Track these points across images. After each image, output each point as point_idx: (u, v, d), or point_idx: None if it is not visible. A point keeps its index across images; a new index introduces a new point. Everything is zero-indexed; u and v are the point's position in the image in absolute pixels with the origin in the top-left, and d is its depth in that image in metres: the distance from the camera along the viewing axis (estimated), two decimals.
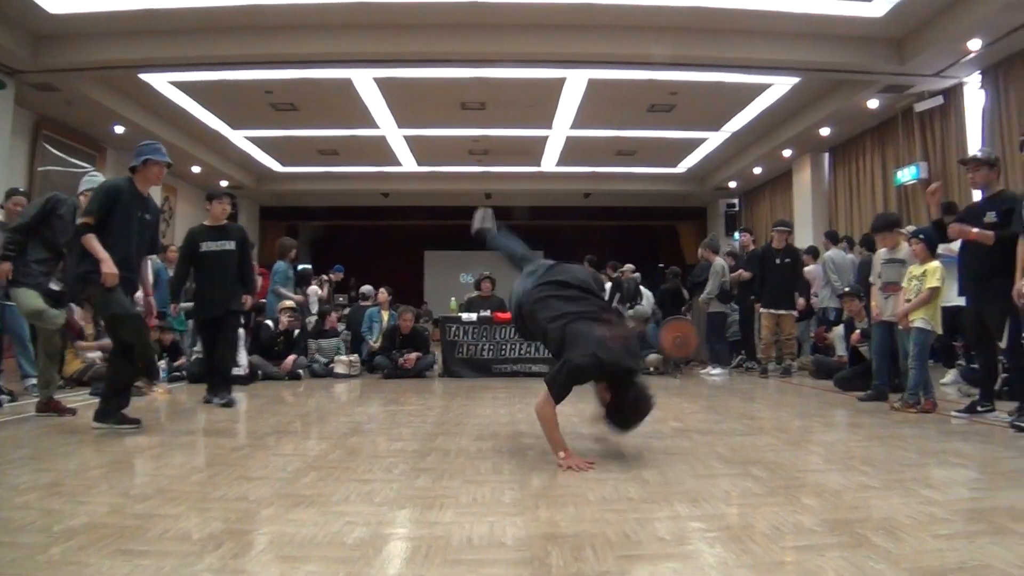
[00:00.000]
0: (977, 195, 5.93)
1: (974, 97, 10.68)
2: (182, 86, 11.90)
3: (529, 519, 2.76)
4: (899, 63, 10.17)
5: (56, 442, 4.49)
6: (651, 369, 9.87)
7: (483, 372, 9.62)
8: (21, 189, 7.65)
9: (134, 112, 12.38)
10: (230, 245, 6.66)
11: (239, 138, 15.16)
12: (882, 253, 6.75)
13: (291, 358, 9.20)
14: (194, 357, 8.56)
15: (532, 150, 16.31)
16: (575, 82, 11.76)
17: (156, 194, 14.74)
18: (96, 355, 8.01)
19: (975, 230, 5.27)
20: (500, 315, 9.90)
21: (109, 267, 4.76)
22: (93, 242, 4.83)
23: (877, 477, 3.46)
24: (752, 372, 10.07)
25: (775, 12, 9.30)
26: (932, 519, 2.72)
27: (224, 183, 17.33)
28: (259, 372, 8.89)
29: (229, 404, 6.32)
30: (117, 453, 4.16)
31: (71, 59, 9.95)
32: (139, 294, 5.51)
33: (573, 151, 16.23)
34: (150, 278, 5.74)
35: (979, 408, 5.53)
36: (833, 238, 10.80)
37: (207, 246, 6.60)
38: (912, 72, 10.39)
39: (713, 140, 15.58)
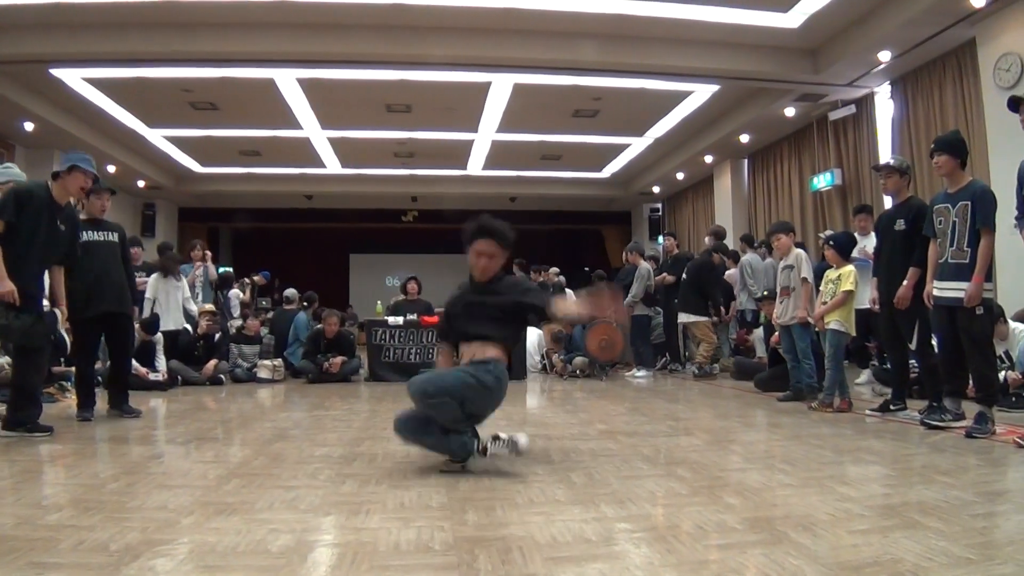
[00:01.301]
0: (887, 201, 6.17)
1: (884, 106, 11.10)
2: (96, 83, 11.48)
3: (456, 523, 2.75)
4: (814, 72, 10.50)
5: None
6: (577, 372, 9.96)
7: (409, 376, 9.37)
8: None
9: (45, 109, 11.91)
10: (113, 237, 6.09)
11: (156, 137, 14.72)
12: (781, 261, 7.05)
13: (212, 363, 8.99)
14: (109, 362, 8.28)
15: (458, 153, 16.29)
16: (500, 86, 11.80)
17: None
18: (3, 360, 7.69)
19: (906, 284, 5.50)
20: (427, 319, 9.86)
21: (5, 285, 4.56)
22: None
23: (796, 475, 3.56)
24: (676, 374, 10.24)
25: (696, 21, 9.49)
26: (848, 515, 2.81)
27: (141, 183, 16.87)
28: (179, 378, 8.67)
29: (136, 415, 6.05)
30: (27, 462, 3.99)
31: None
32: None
33: (499, 155, 16.28)
34: (61, 289, 5.37)
35: (891, 407, 5.76)
36: (749, 242, 11.03)
37: (89, 235, 5.85)
38: (826, 82, 10.75)
39: (636, 145, 15.81)
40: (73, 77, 11.14)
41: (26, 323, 4.76)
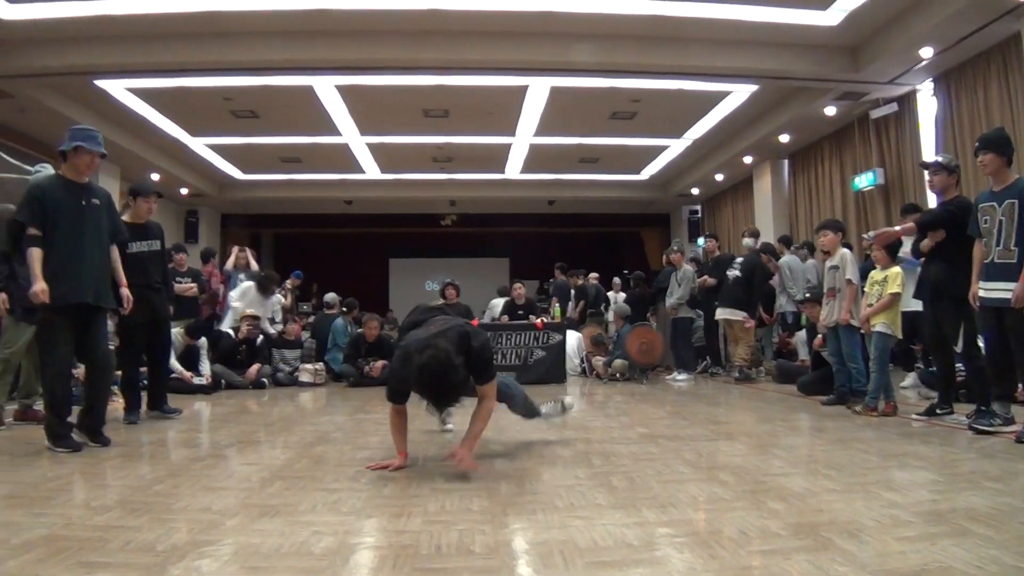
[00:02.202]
0: (932, 200, 6.06)
1: (927, 104, 10.89)
2: (140, 93, 11.70)
3: (498, 526, 2.75)
4: (854, 71, 10.34)
5: (14, 453, 4.41)
6: (617, 375, 9.92)
7: None
8: None
9: (91, 119, 12.11)
10: (157, 245, 6.21)
11: (199, 145, 14.96)
12: (827, 261, 6.94)
13: (255, 367, 9.11)
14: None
15: (496, 157, 16.31)
16: (538, 89, 11.78)
17: (114, 203, 14.56)
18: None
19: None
20: None
21: (38, 285, 4.48)
22: (33, 259, 4.54)
23: (840, 480, 3.51)
24: (717, 377, 10.15)
25: (734, 21, 9.39)
26: (895, 521, 2.76)
27: (184, 191, 17.13)
28: (222, 381, 8.80)
29: (176, 414, 6.19)
30: (77, 464, 4.08)
31: (24, 65, 9.72)
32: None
33: (537, 158, 16.26)
34: (120, 268, 5.25)
35: (938, 411, 5.64)
36: (788, 243, 10.91)
37: (135, 247, 5.98)
38: (867, 80, 10.57)
39: (675, 147, 15.69)
40: (117, 88, 11.37)
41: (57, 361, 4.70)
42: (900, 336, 6.30)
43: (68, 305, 4.62)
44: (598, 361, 10.41)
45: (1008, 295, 4.67)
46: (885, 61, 9.89)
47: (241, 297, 9.40)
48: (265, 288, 9.77)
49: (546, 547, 2.51)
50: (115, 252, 5.16)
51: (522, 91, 11.86)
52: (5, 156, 11.90)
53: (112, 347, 5.69)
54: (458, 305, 10.85)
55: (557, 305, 11.47)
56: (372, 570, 2.33)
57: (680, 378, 9.81)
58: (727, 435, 5.07)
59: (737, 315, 9.51)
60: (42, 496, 3.29)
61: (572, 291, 13.18)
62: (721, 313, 9.72)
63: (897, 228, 5.53)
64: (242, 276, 10.37)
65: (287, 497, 3.23)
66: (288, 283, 12.93)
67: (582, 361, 10.97)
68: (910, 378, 8.10)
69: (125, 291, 5.21)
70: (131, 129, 13.22)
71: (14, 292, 5.37)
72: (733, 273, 9.77)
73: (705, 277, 10.38)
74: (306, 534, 2.65)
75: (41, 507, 3.07)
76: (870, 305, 6.15)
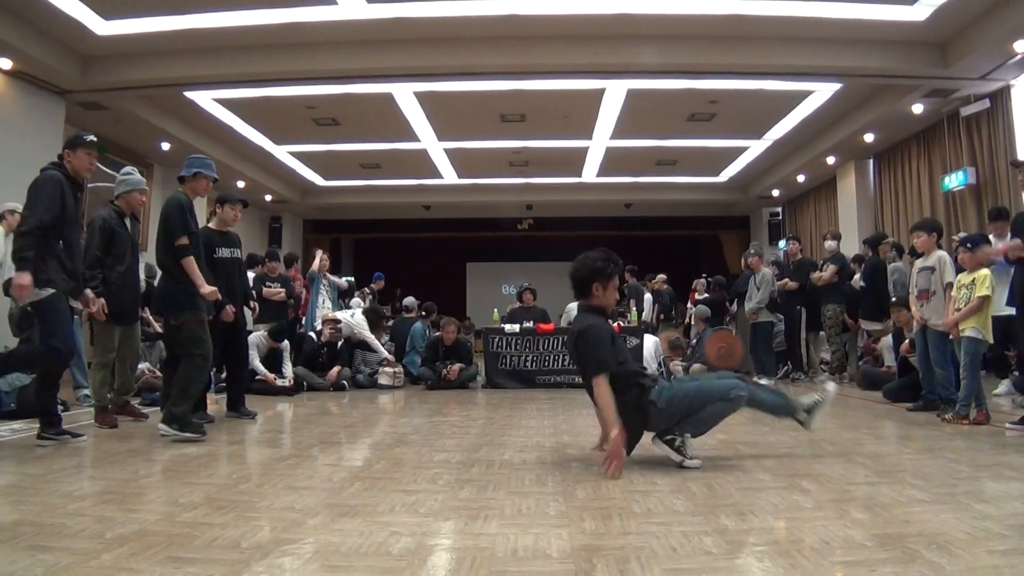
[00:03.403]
0: None
1: (1022, 100, 10.44)
2: (225, 103, 12.12)
3: (574, 531, 2.75)
4: (943, 67, 9.98)
5: (108, 451, 4.59)
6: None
7: (526, 383, 9.62)
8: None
9: (180, 129, 12.64)
10: (238, 253, 6.49)
11: (282, 153, 15.38)
12: (917, 261, 6.66)
13: (336, 369, 9.29)
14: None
15: (572, 161, 16.30)
16: (614, 92, 11.74)
17: (202, 210, 15.06)
18: (144, 366, 8.18)
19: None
20: (543, 326, 9.91)
21: (208, 289, 5.31)
22: (193, 266, 5.27)
23: (929, 491, 3.39)
24: (798, 383, 9.93)
25: (815, 18, 9.19)
26: (987, 534, 2.65)
27: (268, 197, 17.62)
28: (304, 383, 8.99)
29: (252, 416, 6.39)
30: (166, 462, 4.23)
31: (118, 78, 10.19)
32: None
33: (613, 161, 16.19)
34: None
35: None
36: (873, 245, 10.60)
37: (221, 252, 6.25)
38: (957, 76, 10.20)
39: (755, 148, 15.42)
40: (205, 98, 11.80)
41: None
42: (991, 341, 6.03)
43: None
44: (676, 366, 10.29)
45: None
46: (976, 56, 9.53)
47: (358, 331, 9.81)
48: (375, 324, 10.16)
49: (623, 552, 2.49)
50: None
51: (598, 94, 11.83)
52: (100, 166, 12.40)
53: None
54: (535, 309, 10.89)
55: (634, 308, 11.38)
56: (449, 572, 2.35)
57: (761, 384, 9.62)
58: (809, 442, 4.94)
59: (875, 326, 9.37)
60: (134, 493, 3.43)
61: (648, 295, 13.06)
62: (867, 325, 9.71)
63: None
64: (324, 282, 10.58)
65: (366, 498, 3.29)
66: (374, 285, 13.15)
67: (660, 365, 10.86)
68: (1004, 385, 7.77)
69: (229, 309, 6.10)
70: (218, 138, 13.68)
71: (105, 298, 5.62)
72: (858, 283, 9.72)
73: (787, 280, 10.16)
74: (384, 535, 2.69)
75: (133, 503, 3.19)
76: (958, 309, 5.91)
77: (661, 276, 13.13)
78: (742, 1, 8.87)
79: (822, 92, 11.84)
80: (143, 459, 4.34)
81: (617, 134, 14.03)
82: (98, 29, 9.21)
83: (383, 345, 10.77)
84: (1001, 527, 2.74)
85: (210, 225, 6.40)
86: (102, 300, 5.47)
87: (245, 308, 6.71)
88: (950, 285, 6.18)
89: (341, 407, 7.70)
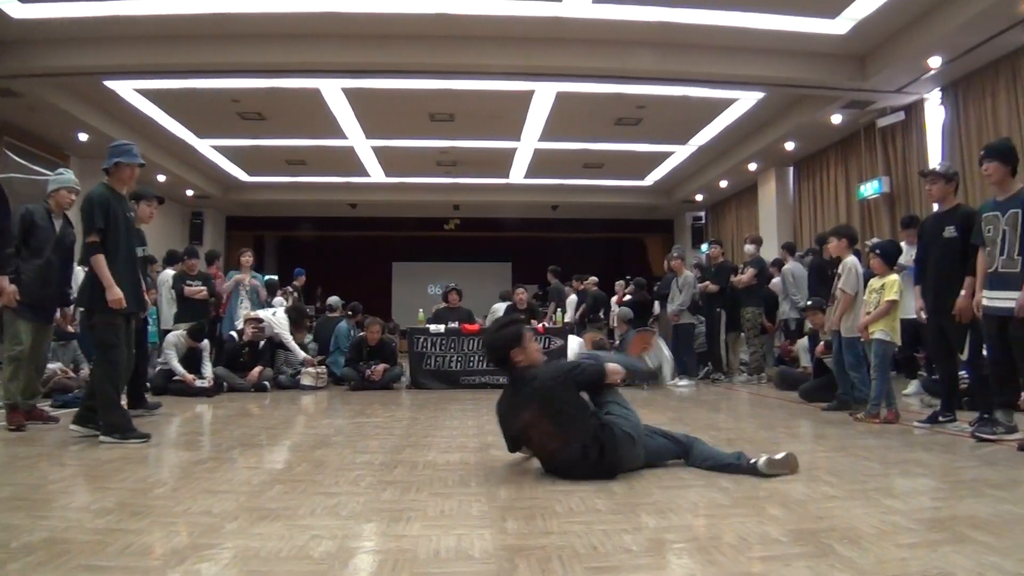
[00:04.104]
0: (935, 209, 6.05)
1: (935, 113, 10.88)
2: (148, 94, 11.76)
3: (496, 531, 2.75)
4: (862, 79, 10.35)
5: (15, 456, 4.42)
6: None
7: (451, 384, 9.60)
8: None
9: (99, 119, 12.21)
10: (144, 250, 6.44)
11: (205, 147, 15.02)
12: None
13: (257, 370, 9.11)
14: (158, 368, 8.45)
15: (500, 162, 16.35)
16: (543, 94, 11.81)
17: None
18: (56, 366, 7.90)
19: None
20: (468, 327, 9.90)
21: (114, 293, 4.93)
22: (102, 265, 4.96)
23: (841, 487, 3.50)
24: (718, 383, 10.14)
25: (741, 28, 9.41)
26: (895, 528, 2.76)
27: (190, 192, 17.19)
28: (224, 384, 8.79)
29: (155, 408, 6.50)
30: (78, 467, 4.09)
31: (34, 65, 9.76)
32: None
33: (541, 163, 16.30)
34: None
35: (940, 418, 5.62)
36: (791, 250, 10.90)
37: (139, 251, 6.17)
38: (874, 88, 10.59)
39: (680, 153, 15.71)
40: (126, 89, 11.43)
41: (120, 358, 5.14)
42: (899, 343, 6.28)
43: (128, 313, 5.17)
44: None
45: (1011, 304, 4.67)
46: (893, 70, 9.91)
47: (280, 333, 9.60)
48: (298, 324, 10.00)
49: (544, 552, 2.50)
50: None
51: (528, 96, 11.89)
52: (12, 155, 11.94)
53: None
54: (460, 309, 10.87)
55: (559, 310, 11.47)
56: (370, 574, 2.33)
57: (682, 384, 9.78)
58: (728, 441, 5.05)
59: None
60: (43, 499, 3.30)
61: (573, 295, 13.17)
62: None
63: (964, 293, 5.41)
64: (245, 280, 10.36)
65: (287, 501, 3.23)
66: (296, 282, 12.94)
67: None
68: (913, 385, 8.08)
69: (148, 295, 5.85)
70: (138, 129, 13.26)
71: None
72: (777, 286, 10.21)
73: (708, 283, 10.37)
74: (305, 538, 2.65)
75: (42, 510, 3.07)
76: (868, 312, 6.14)
77: (593, 278, 13.24)
78: (671, 9, 9.02)
79: (746, 100, 12.14)
80: (53, 463, 4.19)
81: (545, 136, 14.12)
82: (13, 12, 8.79)
83: (307, 344, 10.62)
84: (909, 521, 2.85)
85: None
86: (14, 287, 5.27)
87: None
88: (843, 291, 6.46)
89: (262, 408, 7.56)
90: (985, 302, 4.97)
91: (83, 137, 12.52)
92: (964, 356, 5.62)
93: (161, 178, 15.56)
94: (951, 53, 9.28)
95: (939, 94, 10.64)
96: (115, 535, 2.67)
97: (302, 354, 9.77)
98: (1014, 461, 4.19)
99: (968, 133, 9.98)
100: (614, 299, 13.24)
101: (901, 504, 3.14)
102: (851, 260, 6.69)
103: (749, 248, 10.52)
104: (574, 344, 10.46)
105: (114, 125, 12.64)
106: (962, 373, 6.01)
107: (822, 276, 9.16)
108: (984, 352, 5.38)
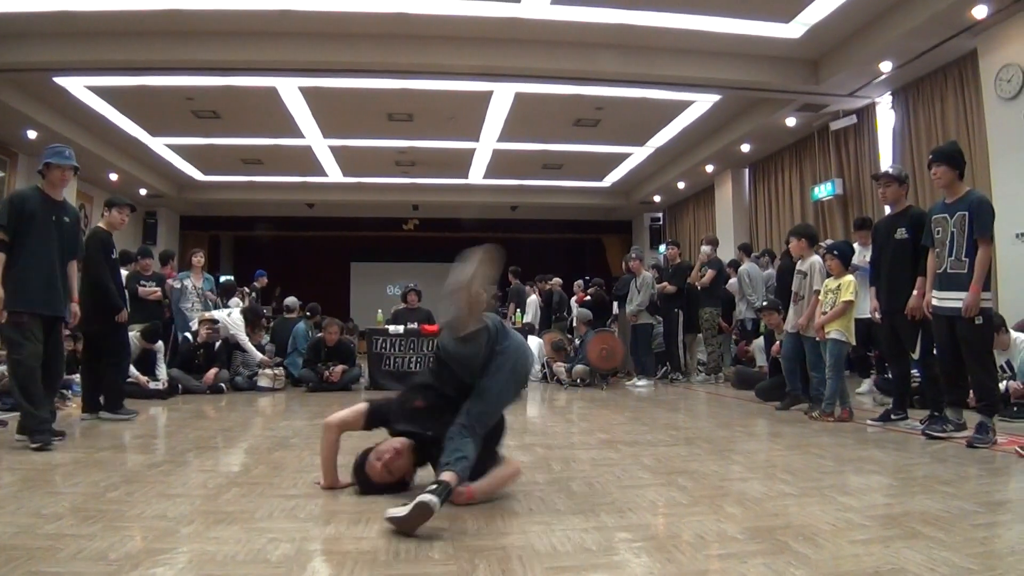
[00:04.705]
0: (888, 211, 6.16)
1: (886, 116, 11.11)
2: (99, 91, 11.51)
3: (456, 532, 2.75)
4: (815, 83, 10.51)
5: None
6: (578, 381, 9.94)
7: None
8: None
9: (48, 117, 11.93)
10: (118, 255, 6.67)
11: (159, 145, 14.74)
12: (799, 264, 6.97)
13: (213, 371, 8.98)
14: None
15: (459, 162, 16.32)
16: (502, 95, 11.81)
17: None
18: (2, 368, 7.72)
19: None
20: (427, 327, 9.87)
21: None
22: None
23: (797, 485, 3.55)
24: (677, 383, 10.23)
25: (699, 31, 9.50)
26: (849, 525, 2.81)
27: (143, 191, 16.87)
28: (179, 386, 8.66)
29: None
30: (27, 471, 3.99)
31: None
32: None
33: (500, 164, 16.30)
34: (75, 283, 5.54)
35: (893, 416, 5.75)
36: (747, 251, 11.03)
37: (115, 253, 6.56)
38: (827, 92, 10.77)
39: (638, 155, 15.82)
40: (76, 85, 11.17)
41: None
42: (854, 343, 6.39)
43: (42, 312, 4.99)
44: (559, 367, 10.43)
45: (959, 304, 4.78)
46: (845, 74, 10.08)
47: (236, 333, 9.48)
48: (254, 324, 9.91)
49: (505, 552, 2.51)
50: (72, 268, 5.43)
51: (486, 96, 11.88)
52: None
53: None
54: (420, 310, 10.83)
55: (518, 310, 11.48)
56: None
57: (640, 384, 9.85)
58: (686, 440, 5.11)
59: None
60: None
61: (533, 296, 13.20)
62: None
63: (916, 292, 5.50)
64: (199, 282, 10.18)
65: (244, 504, 3.20)
66: (256, 283, 12.78)
67: (543, 367, 10.99)
68: (866, 384, 8.23)
69: (75, 307, 5.43)
70: (89, 128, 13.00)
71: None
72: (733, 286, 10.32)
73: (665, 284, 10.45)
74: (263, 541, 2.62)
75: None
76: (824, 313, 6.24)
77: (557, 280, 13.28)
78: (629, 12, 9.08)
79: (702, 103, 12.27)
80: (2, 467, 4.09)
81: (504, 136, 14.12)
82: None
83: (264, 346, 10.50)
84: (862, 518, 2.91)
85: (100, 225, 6.52)
86: None
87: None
88: (818, 292, 6.50)
89: (218, 410, 7.47)
90: (935, 302, 5.08)
91: (32, 134, 12.21)
92: (916, 355, 5.73)
93: (113, 176, 15.28)
94: (902, 58, 9.48)
95: (890, 98, 10.86)
96: (67, 540, 2.61)
97: (259, 355, 9.65)
98: (963, 458, 4.29)
99: (918, 136, 10.19)
100: (574, 299, 13.29)
101: (855, 501, 3.20)
102: (816, 259, 6.72)
103: (705, 249, 10.62)
104: (534, 345, 10.49)
105: (64, 122, 12.37)
106: (913, 372, 6.13)
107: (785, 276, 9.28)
108: (934, 351, 5.49)
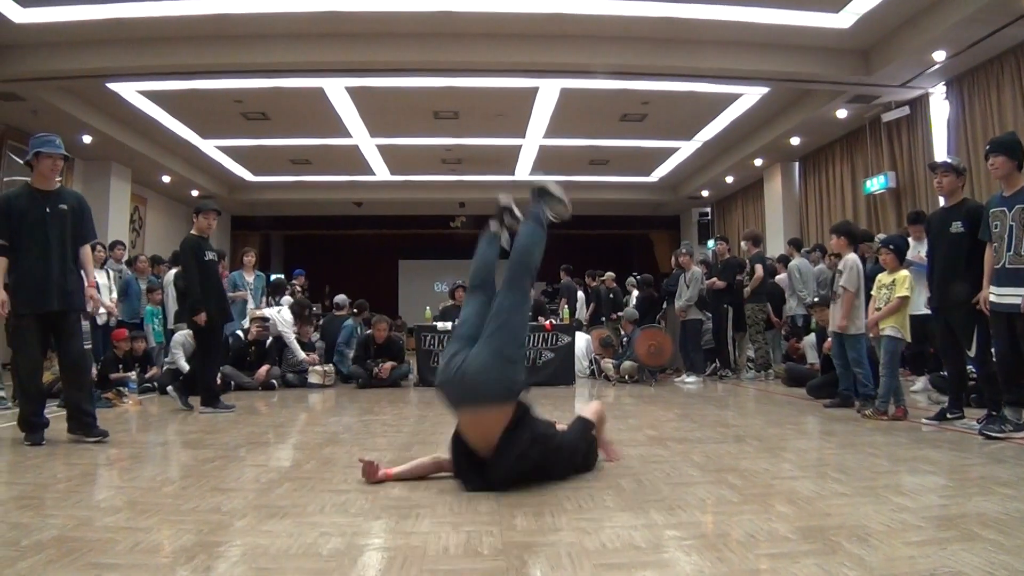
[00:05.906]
0: (942, 203, 6.00)
1: (939, 107, 10.85)
2: (151, 95, 11.77)
3: (505, 528, 2.75)
4: (866, 74, 10.31)
5: (25, 455, 4.42)
6: (626, 377, 9.89)
7: None
8: None
9: (102, 122, 12.23)
10: (217, 256, 7.11)
11: (209, 147, 15.04)
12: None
13: (264, 368, 9.12)
14: (165, 368, 8.47)
15: (506, 159, 16.33)
16: (548, 91, 11.80)
17: (124, 204, 14.57)
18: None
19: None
20: None
21: (1, 296, 4.80)
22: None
23: (850, 484, 3.49)
24: (726, 380, 10.12)
25: (746, 23, 9.39)
26: (904, 526, 2.75)
27: (195, 192, 17.19)
28: (231, 383, 8.80)
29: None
30: (87, 466, 4.10)
31: (36, 68, 9.79)
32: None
33: (546, 160, 16.26)
34: (91, 268, 5.39)
35: (948, 415, 5.60)
36: (797, 246, 10.86)
37: (209, 255, 6.92)
38: (879, 83, 10.55)
39: (685, 149, 15.69)
40: (129, 91, 11.44)
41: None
42: (909, 339, 6.24)
43: (33, 312, 4.89)
44: (607, 363, 10.38)
45: (1018, 300, 4.66)
46: (897, 64, 9.87)
47: (288, 329, 9.66)
48: (302, 317, 10.15)
49: (554, 549, 2.51)
50: (86, 253, 5.25)
51: (532, 93, 11.88)
52: (16, 158, 11.95)
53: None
54: None
55: (566, 307, 11.46)
56: (380, 571, 2.33)
57: (689, 380, 9.77)
58: (736, 438, 5.05)
59: None
60: (53, 497, 3.31)
61: (581, 293, 13.17)
62: None
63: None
64: (250, 279, 10.40)
65: (296, 498, 3.24)
66: (295, 282, 12.95)
67: (591, 363, 10.95)
68: (921, 382, 8.05)
69: (91, 291, 5.34)
70: (142, 131, 13.31)
71: None
72: (783, 281, 10.18)
73: (714, 279, 10.34)
74: (314, 535, 2.66)
75: (51, 508, 3.09)
76: (878, 309, 6.10)
77: (610, 274, 13.21)
78: (674, 5, 9.01)
79: (750, 95, 12.12)
80: (61, 462, 4.20)
81: (550, 133, 14.12)
82: (15, 17, 8.83)
83: (314, 342, 10.62)
84: (917, 519, 2.84)
85: (193, 232, 7.01)
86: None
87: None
88: (845, 289, 6.37)
89: (270, 407, 7.58)
90: (992, 298, 4.95)
91: (87, 139, 12.55)
92: (972, 352, 5.59)
93: (166, 179, 15.62)
94: (955, 47, 9.25)
95: (944, 88, 10.61)
96: (124, 533, 2.67)
97: (302, 354, 9.74)
98: (1022, 459, 4.17)
99: (973, 127, 9.94)
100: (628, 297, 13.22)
101: (910, 501, 3.13)
102: (851, 257, 6.58)
103: (747, 246, 10.41)
104: (581, 342, 10.47)
105: (118, 127, 12.67)
106: (970, 369, 5.98)
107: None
108: (992, 348, 5.35)
